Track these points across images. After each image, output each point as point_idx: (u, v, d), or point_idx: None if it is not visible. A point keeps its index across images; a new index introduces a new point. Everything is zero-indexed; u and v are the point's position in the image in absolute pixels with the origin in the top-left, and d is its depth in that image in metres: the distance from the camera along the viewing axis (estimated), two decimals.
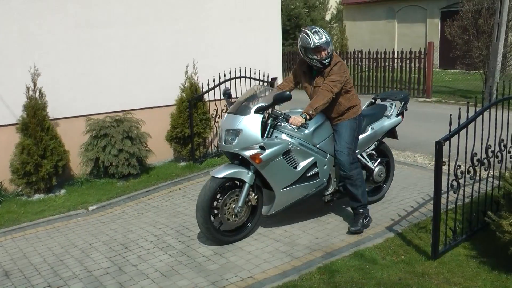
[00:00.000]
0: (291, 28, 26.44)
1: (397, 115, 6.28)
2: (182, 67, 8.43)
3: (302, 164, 5.41)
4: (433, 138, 5.17)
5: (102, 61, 8.06)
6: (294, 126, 5.12)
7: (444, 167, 4.60)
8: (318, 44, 5.16)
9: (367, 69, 18.03)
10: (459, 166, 4.82)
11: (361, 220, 5.48)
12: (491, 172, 5.19)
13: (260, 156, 5.06)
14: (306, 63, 5.45)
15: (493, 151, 5.12)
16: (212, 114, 8.80)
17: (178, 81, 8.46)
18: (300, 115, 5.01)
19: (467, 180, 4.98)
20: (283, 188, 5.35)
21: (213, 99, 8.75)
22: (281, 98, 5.01)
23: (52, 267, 5.06)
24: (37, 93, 7.05)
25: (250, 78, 9.37)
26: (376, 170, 6.11)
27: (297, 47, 5.44)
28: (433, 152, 4.66)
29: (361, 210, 5.55)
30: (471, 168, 4.92)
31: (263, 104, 5.14)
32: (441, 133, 5.67)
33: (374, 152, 6.20)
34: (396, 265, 4.69)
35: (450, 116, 4.79)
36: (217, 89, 8.64)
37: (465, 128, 4.76)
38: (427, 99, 15.63)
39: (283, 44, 10.53)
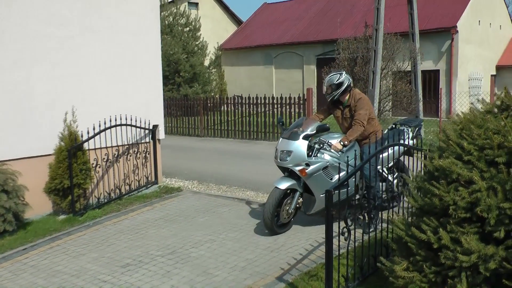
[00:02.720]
0: (170, 74, 26.45)
1: (412, 138, 7.58)
2: (61, 115, 8.06)
3: (336, 177, 6.47)
4: None
5: None
6: (334, 150, 6.69)
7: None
8: (325, 83, 7.06)
9: (247, 115, 18.29)
10: (349, 212, 4.93)
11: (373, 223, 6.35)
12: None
13: (306, 171, 6.59)
14: None
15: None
16: (93, 163, 8.40)
17: (57, 129, 8.03)
18: (339, 141, 6.63)
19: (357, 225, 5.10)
20: (321, 194, 6.44)
21: (94, 147, 8.38)
22: (323, 129, 6.75)
23: None
24: None
25: (131, 125, 9.19)
26: (395, 182, 7.50)
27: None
28: None
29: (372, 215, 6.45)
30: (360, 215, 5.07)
31: (309, 132, 6.76)
32: None
33: (392, 167, 7.49)
34: None
35: (338, 164, 4.94)
36: (97, 137, 8.34)
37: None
38: None
39: (162, 90, 10.43)
